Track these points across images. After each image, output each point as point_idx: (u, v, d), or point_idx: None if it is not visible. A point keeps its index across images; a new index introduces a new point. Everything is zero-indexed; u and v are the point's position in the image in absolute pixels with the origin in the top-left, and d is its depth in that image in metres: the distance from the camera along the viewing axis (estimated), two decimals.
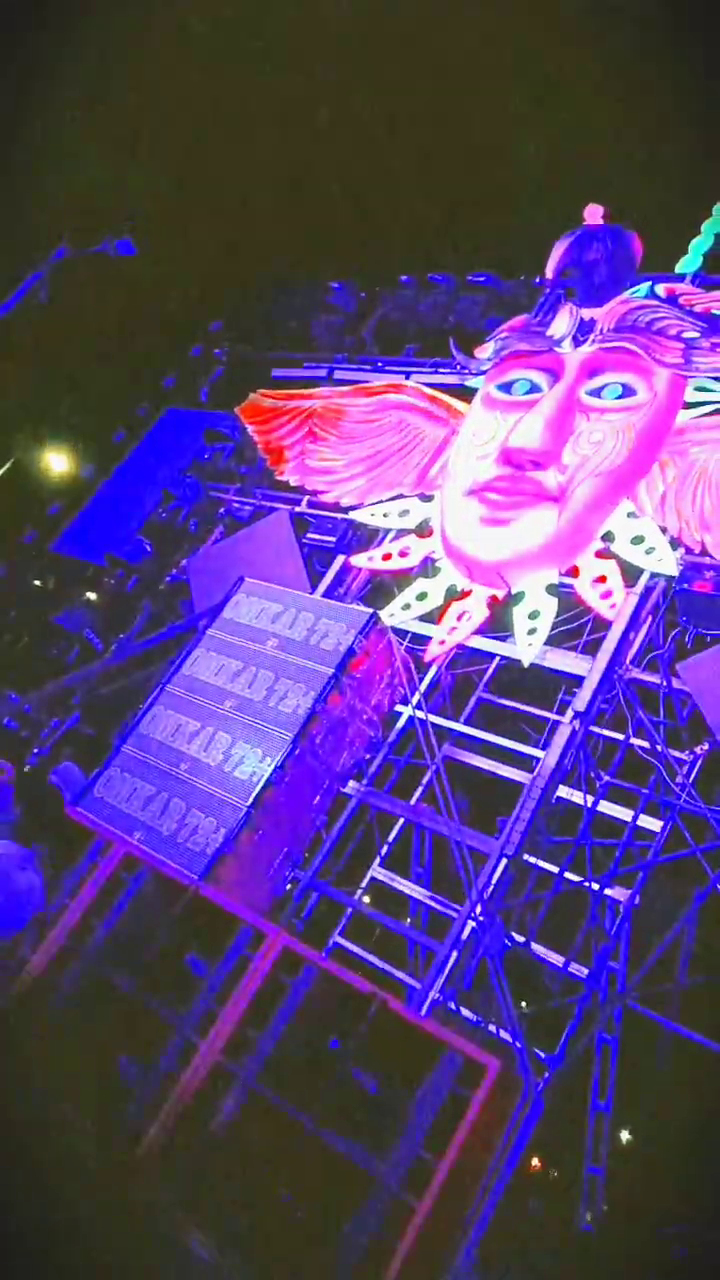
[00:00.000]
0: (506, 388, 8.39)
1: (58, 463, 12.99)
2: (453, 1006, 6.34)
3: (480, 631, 7.72)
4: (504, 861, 6.64)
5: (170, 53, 14.94)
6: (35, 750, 9.44)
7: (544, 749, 7.09)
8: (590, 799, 6.85)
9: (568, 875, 6.78)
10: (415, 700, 7.57)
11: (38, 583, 11.94)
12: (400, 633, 7.94)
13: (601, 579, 7.23)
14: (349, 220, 15.06)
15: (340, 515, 9.31)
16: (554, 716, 7.41)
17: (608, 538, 7.36)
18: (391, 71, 15.10)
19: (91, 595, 11.32)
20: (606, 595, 7.17)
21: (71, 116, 14.72)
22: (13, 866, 5.97)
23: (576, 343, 8.12)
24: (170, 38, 14.91)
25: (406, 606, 8.07)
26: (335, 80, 15.47)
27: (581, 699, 7.02)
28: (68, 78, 14.54)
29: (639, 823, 6.79)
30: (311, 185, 15.70)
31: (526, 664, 7.32)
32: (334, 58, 15.23)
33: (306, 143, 15.74)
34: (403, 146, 15.43)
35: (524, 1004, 6.94)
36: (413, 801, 7.73)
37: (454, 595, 7.88)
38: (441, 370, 9.73)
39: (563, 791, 7.00)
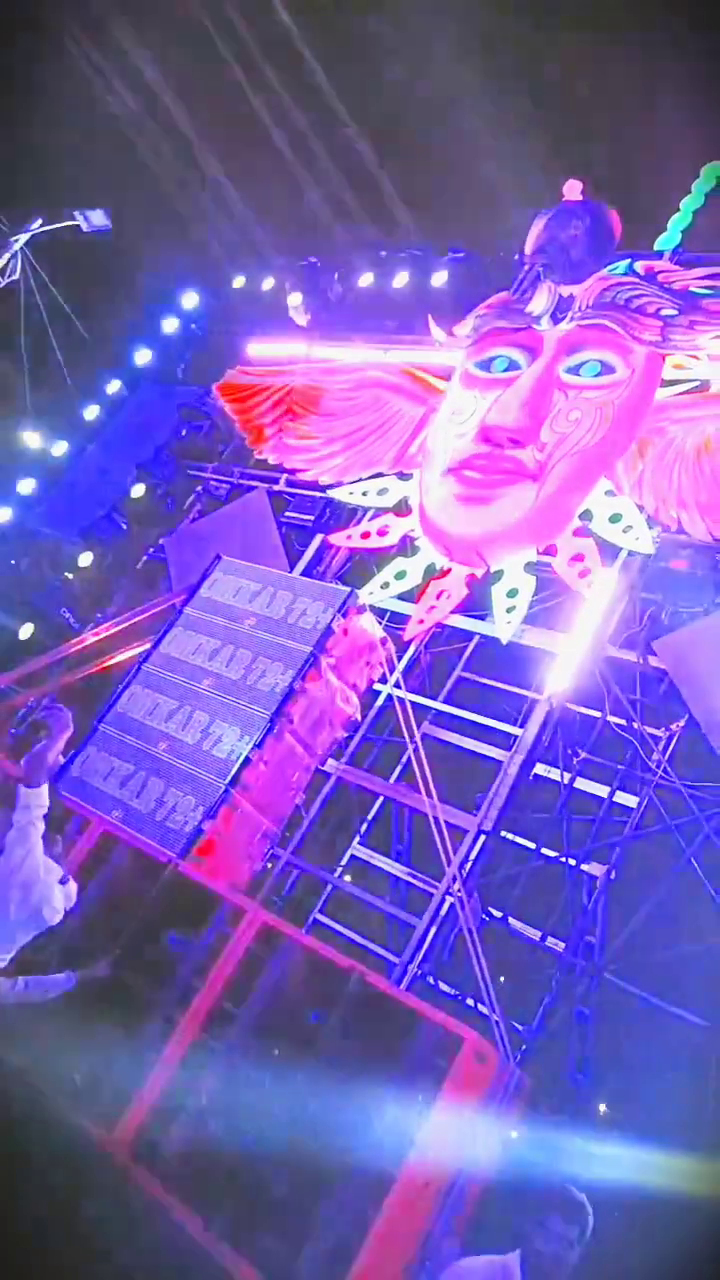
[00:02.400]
0: (485, 365, 8.36)
1: (30, 441, 12.81)
2: (431, 981, 6.40)
3: (459, 610, 7.74)
4: (482, 838, 6.69)
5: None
6: (11, 730, 9.35)
7: (521, 726, 7.13)
8: (567, 776, 6.91)
9: (545, 851, 6.85)
10: (394, 679, 7.57)
11: (12, 562, 11.81)
12: (379, 611, 7.93)
13: (579, 557, 7.25)
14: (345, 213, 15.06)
15: (319, 494, 9.27)
16: (532, 694, 7.45)
17: (586, 516, 7.38)
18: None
19: (68, 574, 11.22)
20: (584, 574, 7.20)
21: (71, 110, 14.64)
22: None
23: (555, 320, 8.09)
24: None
25: (385, 585, 8.07)
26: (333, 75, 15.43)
27: (559, 676, 7.05)
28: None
29: (615, 799, 6.86)
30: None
31: (505, 642, 7.35)
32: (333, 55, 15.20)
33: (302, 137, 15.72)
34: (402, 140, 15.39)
35: (502, 978, 7.02)
36: (392, 779, 7.76)
37: (433, 574, 7.89)
38: (420, 347, 9.66)
39: (540, 769, 7.06)
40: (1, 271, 10.51)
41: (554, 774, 7.01)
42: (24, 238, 10.68)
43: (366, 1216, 4.26)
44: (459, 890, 6.37)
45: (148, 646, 7.76)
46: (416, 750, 7.15)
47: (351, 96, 15.69)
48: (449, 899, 6.49)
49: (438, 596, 7.72)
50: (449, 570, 7.77)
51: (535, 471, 7.45)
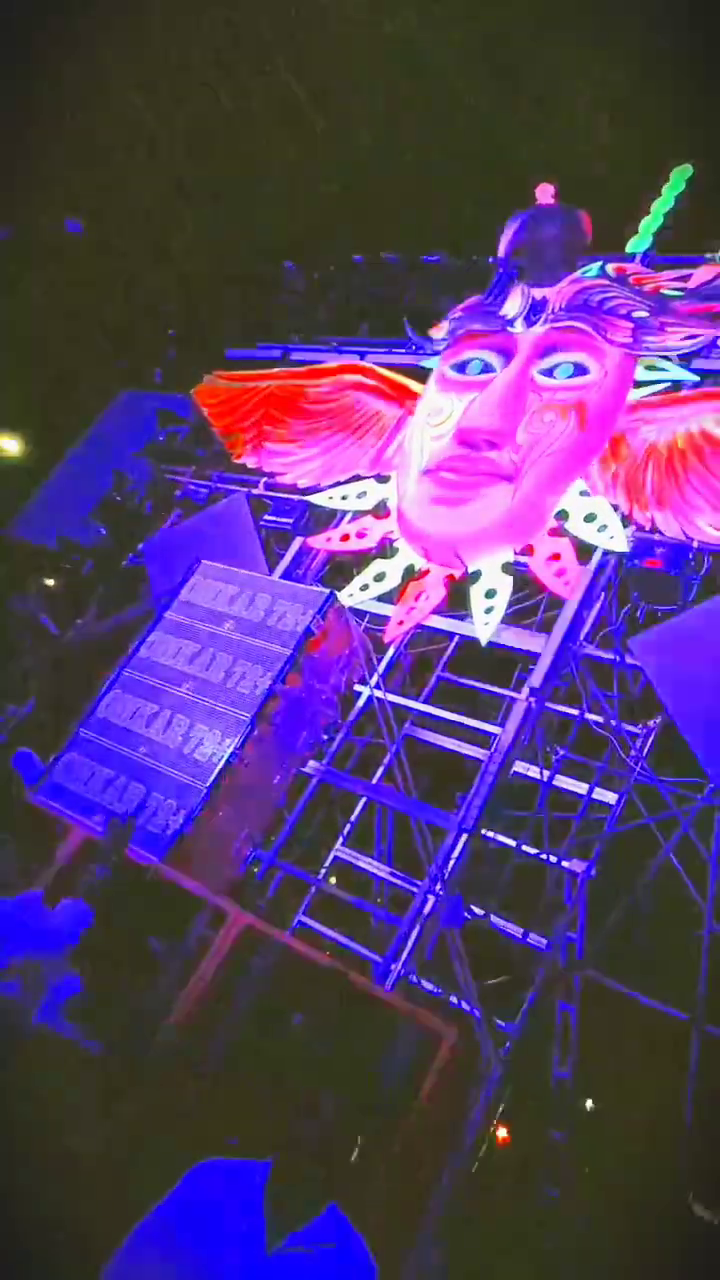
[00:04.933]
0: (461, 368, 8.41)
1: (8, 447, 12.79)
2: (414, 979, 6.43)
3: (438, 611, 7.78)
4: (463, 837, 6.73)
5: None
6: None
7: (501, 725, 7.18)
8: (546, 773, 6.96)
9: (525, 848, 6.89)
10: (374, 680, 7.61)
11: None
12: (359, 613, 7.96)
13: (555, 557, 7.31)
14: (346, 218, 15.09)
15: (298, 497, 9.29)
16: (511, 693, 7.51)
17: (561, 516, 7.44)
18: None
19: (48, 580, 11.20)
20: (560, 573, 7.26)
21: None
22: None
23: (529, 322, 8.16)
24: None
25: (365, 587, 8.10)
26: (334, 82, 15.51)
27: (537, 675, 7.11)
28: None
29: (594, 795, 6.92)
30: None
31: (484, 642, 7.39)
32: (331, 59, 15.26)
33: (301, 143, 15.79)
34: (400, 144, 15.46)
35: (485, 976, 7.05)
36: (374, 780, 7.79)
37: (412, 575, 7.92)
38: (396, 350, 9.72)
39: (519, 766, 7.10)
40: None
41: (533, 772, 7.05)
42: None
43: None
44: (440, 889, 6.40)
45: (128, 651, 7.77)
46: (397, 751, 7.18)
47: (342, 98, 15.75)
48: (431, 898, 6.52)
49: (417, 598, 7.76)
50: (427, 571, 7.81)
51: (511, 472, 7.50)
